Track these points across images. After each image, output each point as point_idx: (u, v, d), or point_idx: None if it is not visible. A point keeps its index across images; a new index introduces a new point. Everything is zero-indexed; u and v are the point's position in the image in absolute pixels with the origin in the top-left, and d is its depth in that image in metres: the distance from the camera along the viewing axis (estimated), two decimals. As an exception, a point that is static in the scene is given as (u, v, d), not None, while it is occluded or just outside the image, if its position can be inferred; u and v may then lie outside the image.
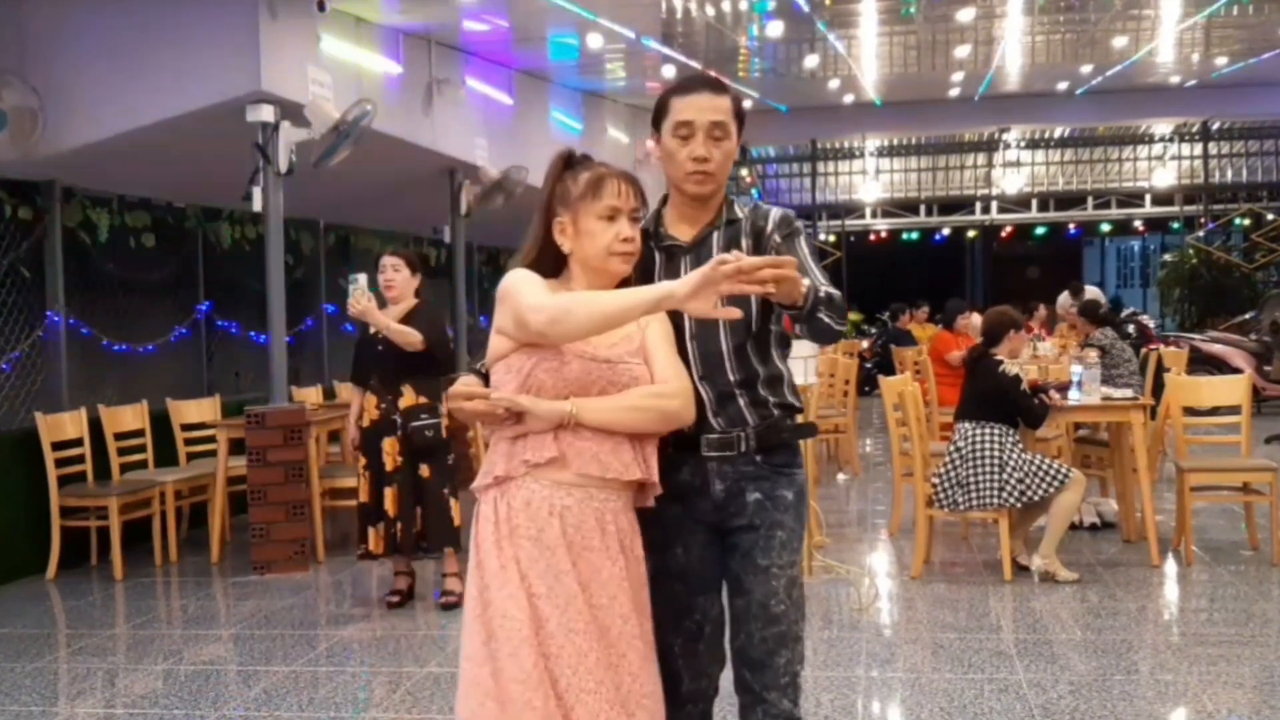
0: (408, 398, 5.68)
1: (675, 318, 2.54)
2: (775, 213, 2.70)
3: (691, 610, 2.62)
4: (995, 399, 6.05)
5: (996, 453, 5.96)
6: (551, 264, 2.53)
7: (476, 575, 2.41)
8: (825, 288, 2.46)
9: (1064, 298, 14.69)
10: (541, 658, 2.32)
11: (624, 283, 2.57)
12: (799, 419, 2.74)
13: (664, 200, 2.75)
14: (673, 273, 2.61)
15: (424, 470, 5.70)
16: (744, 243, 2.64)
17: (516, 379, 2.41)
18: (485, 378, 2.52)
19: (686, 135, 2.58)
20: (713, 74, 2.62)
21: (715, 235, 2.66)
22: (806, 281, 2.36)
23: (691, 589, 2.61)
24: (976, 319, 9.84)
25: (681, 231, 2.68)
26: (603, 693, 2.34)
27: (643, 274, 2.61)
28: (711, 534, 2.63)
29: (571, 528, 2.37)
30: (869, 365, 14.73)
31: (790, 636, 2.61)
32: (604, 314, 2.33)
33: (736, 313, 2.35)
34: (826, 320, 2.43)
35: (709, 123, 2.57)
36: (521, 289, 2.41)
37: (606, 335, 2.43)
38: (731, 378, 2.58)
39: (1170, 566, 6.39)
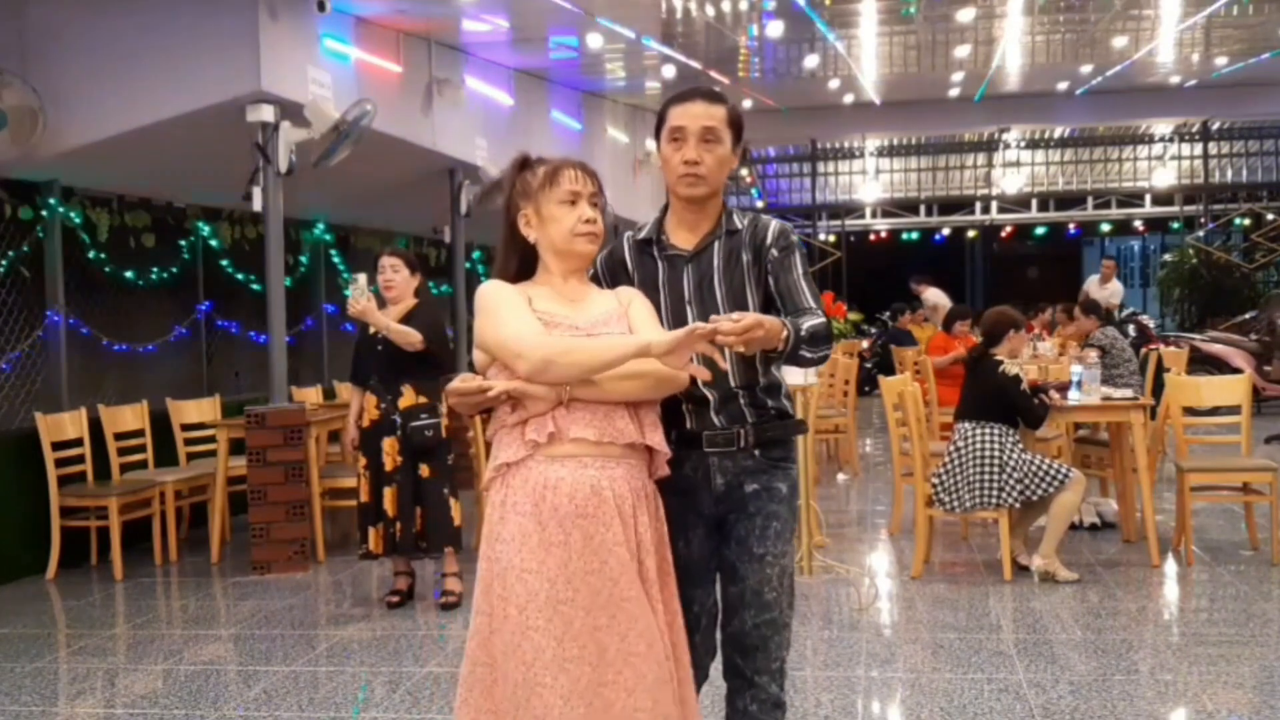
0: (407, 397, 5.68)
1: (680, 323, 2.65)
2: (774, 226, 2.81)
3: (690, 603, 2.70)
4: (995, 399, 6.05)
5: (996, 453, 5.96)
6: (523, 264, 2.68)
7: (481, 563, 2.54)
8: (808, 322, 2.58)
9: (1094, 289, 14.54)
10: (530, 631, 2.41)
11: (615, 279, 2.78)
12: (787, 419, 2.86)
13: (665, 209, 2.85)
14: (675, 280, 2.76)
15: (424, 470, 5.70)
16: (744, 256, 2.75)
17: (508, 371, 2.53)
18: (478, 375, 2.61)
19: (679, 140, 2.71)
20: (714, 87, 2.71)
21: (716, 245, 2.77)
22: (786, 331, 2.49)
23: (691, 582, 2.70)
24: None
25: (683, 239, 2.79)
26: (586, 658, 2.41)
27: (645, 282, 2.77)
28: (710, 527, 2.76)
29: (565, 498, 2.46)
30: (869, 365, 14.73)
31: (780, 624, 2.73)
32: (585, 366, 2.46)
33: (706, 374, 2.51)
34: (808, 356, 2.60)
35: (701, 128, 2.70)
36: (502, 326, 2.52)
37: (588, 312, 2.59)
38: (733, 382, 2.71)
39: (1170, 566, 6.39)
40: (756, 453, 2.73)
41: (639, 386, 2.51)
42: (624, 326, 2.59)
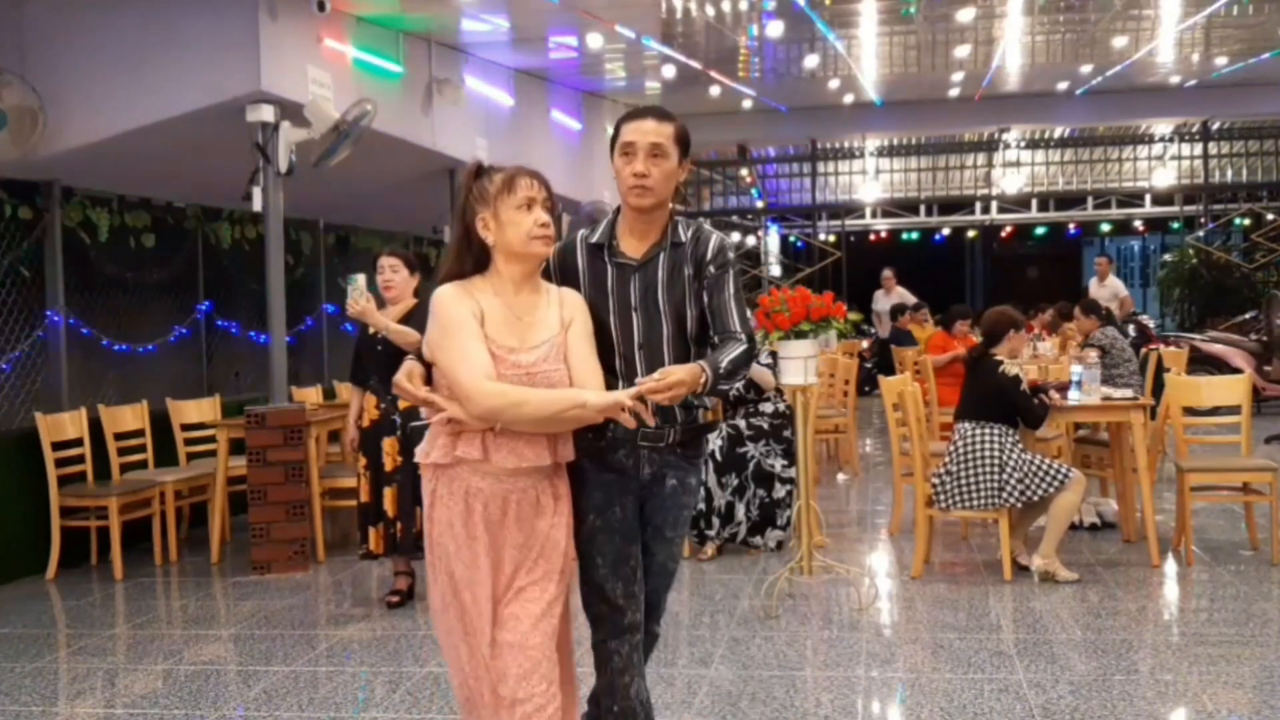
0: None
1: (626, 327, 3.03)
2: (714, 242, 3.09)
3: (628, 557, 3.09)
4: (995, 399, 6.05)
5: (996, 453, 5.96)
6: (473, 264, 2.93)
7: (426, 540, 3.00)
8: (727, 356, 2.93)
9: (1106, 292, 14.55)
10: (459, 606, 2.91)
11: (565, 279, 3.04)
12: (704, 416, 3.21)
13: (616, 213, 3.13)
14: (623, 285, 3.05)
15: (424, 470, 5.69)
16: (686, 270, 3.05)
17: (449, 388, 2.85)
18: (428, 366, 2.94)
19: (629, 154, 2.99)
20: (662, 106, 3.00)
21: (661, 256, 3.06)
22: (705, 375, 2.84)
23: (628, 540, 3.09)
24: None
25: (631, 247, 3.07)
26: (483, 628, 2.89)
27: (595, 285, 3.05)
28: (637, 501, 3.13)
29: (482, 505, 2.88)
30: (869, 365, 14.72)
31: (669, 585, 3.29)
32: (528, 419, 2.81)
33: (632, 423, 2.80)
34: (725, 389, 2.98)
35: (649, 143, 2.98)
36: (457, 365, 2.80)
37: (531, 338, 2.89)
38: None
39: (1170, 566, 6.39)
40: (679, 450, 3.10)
41: (562, 425, 2.87)
42: (559, 363, 2.89)
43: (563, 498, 2.99)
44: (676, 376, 2.76)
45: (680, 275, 3.03)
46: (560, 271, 3.07)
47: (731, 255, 3.10)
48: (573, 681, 3.11)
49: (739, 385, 2.94)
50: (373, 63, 8.23)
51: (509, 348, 2.85)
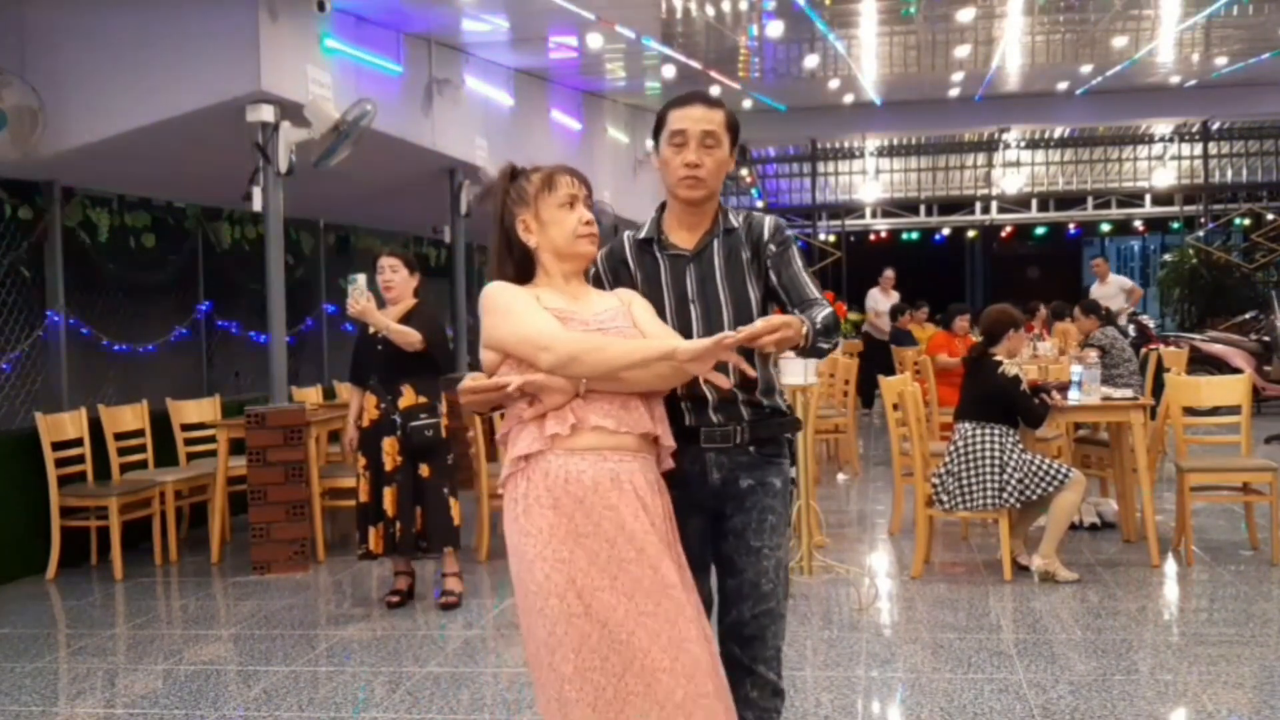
0: (407, 397, 5.68)
1: (684, 320, 2.80)
2: (769, 222, 2.91)
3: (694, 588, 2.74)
4: (995, 400, 6.05)
5: (997, 453, 5.96)
6: (517, 270, 2.72)
7: (512, 560, 2.55)
8: (820, 314, 2.70)
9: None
10: (573, 618, 2.44)
11: (617, 278, 2.85)
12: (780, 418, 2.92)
13: (662, 208, 2.93)
14: (678, 278, 2.84)
15: (424, 470, 5.70)
16: (743, 254, 2.85)
17: (519, 368, 2.56)
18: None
19: (680, 144, 2.78)
20: (711, 89, 2.79)
21: (715, 243, 2.86)
22: (805, 327, 2.59)
23: (695, 569, 2.71)
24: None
25: (682, 239, 2.88)
26: (636, 643, 2.42)
27: (649, 280, 2.85)
28: (707, 519, 2.83)
29: (588, 490, 2.49)
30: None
31: (777, 614, 2.82)
32: (612, 364, 2.50)
33: (727, 382, 2.56)
34: (824, 347, 2.71)
35: (701, 132, 2.77)
36: (521, 322, 2.55)
37: (594, 307, 2.64)
38: (732, 379, 2.69)
39: (1170, 566, 6.39)
40: (751, 449, 2.80)
41: (652, 375, 2.53)
42: (628, 322, 2.64)
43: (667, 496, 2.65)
44: (782, 319, 2.52)
45: (738, 260, 2.84)
46: (611, 274, 2.88)
47: (789, 233, 2.92)
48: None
49: (830, 348, 2.75)
50: (373, 63, 8.23)
51: (571, 310, 2.61)
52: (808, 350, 2.67)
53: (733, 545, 2.80)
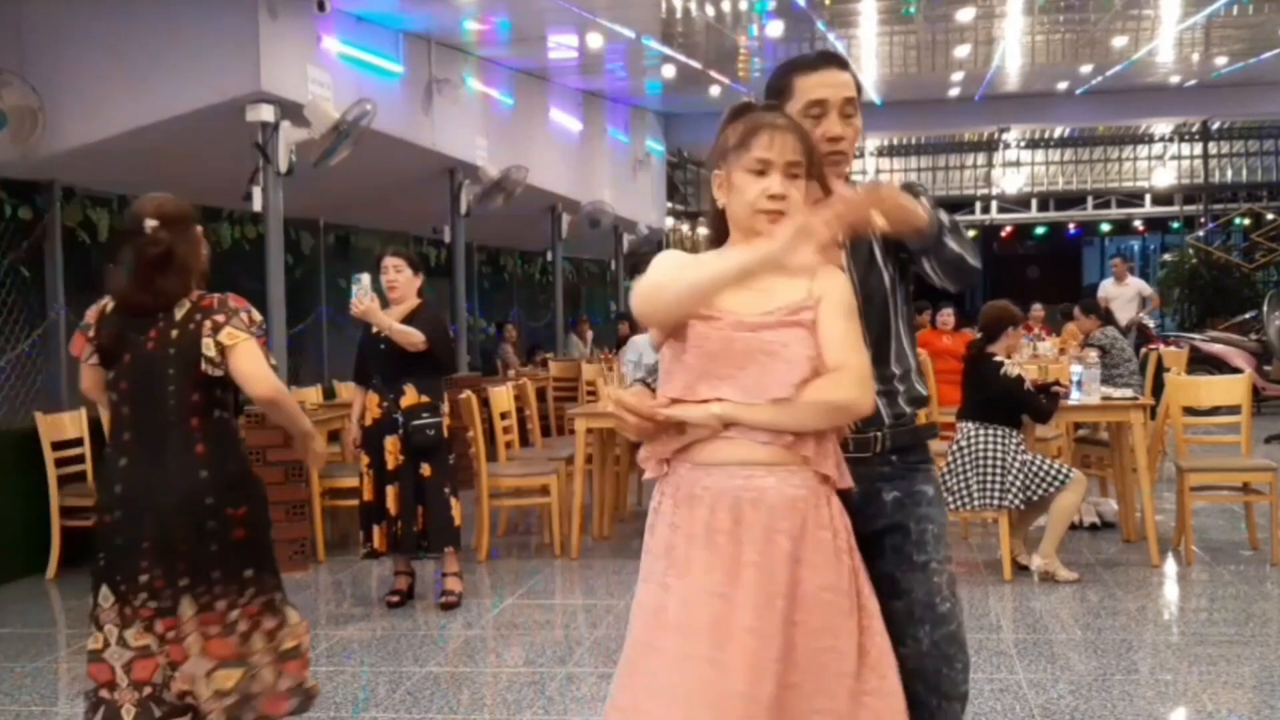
0: (409, 397, 5.69)
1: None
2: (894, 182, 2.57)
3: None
4: (1000, 403, 6.01)
5: (999, 454, 5.94)
6: (714, 229, 2.36)
7: (645, 558, 2.27)
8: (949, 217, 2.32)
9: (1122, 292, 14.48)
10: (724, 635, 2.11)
11: None
12: (921, 413, 2.61)
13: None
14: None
15: (425, 469, 5.70)
16: (870, 241, 2.44)
17: (668, 363, 2.25)
18: (652, 390, 2.33)
19: (819, 114, 2.43)
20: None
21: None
22: (923, 205, 2.24)
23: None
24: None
25: None
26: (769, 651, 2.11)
27: None
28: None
29: (706, 509, 2.15)
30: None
31: (961, 638, 2.39)
32: (690, 288, 2.16)
33: (837, 256, 2.22)
34: (956, 248, 2.31)
35: (842, 99, 2.45)
36: (645, 275, 2.26)
37: (758, 302, 2.19)
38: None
39: (1170, 566, 6.39)
40: (893, 458, 2.43)
41: (807, 417, 2.15)
42: (790, 338, 2.17)
43: (840, 532, 2.20)
44: (894, 186, 2.18)
45: (866, 251, 2.43)
46: None
47: (920, 186, 2.51)
48: None
49: (972, 261, 2.34)
50: (373, 63, 8.23)
51: (727, 309, 2.17)
52: (934, 245, 2.27)
53: (891, 563, 2.36)
